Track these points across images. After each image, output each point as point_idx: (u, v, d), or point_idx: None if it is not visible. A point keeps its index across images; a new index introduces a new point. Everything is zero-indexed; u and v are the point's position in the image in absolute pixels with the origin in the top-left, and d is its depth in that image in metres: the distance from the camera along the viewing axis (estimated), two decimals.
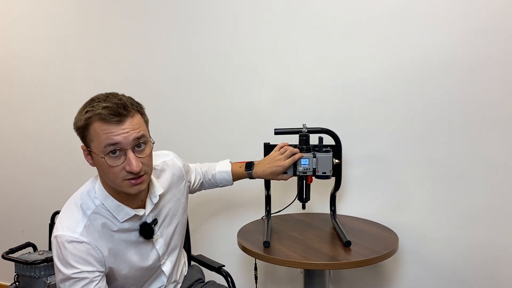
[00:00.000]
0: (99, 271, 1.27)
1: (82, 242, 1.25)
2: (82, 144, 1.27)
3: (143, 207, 1.37)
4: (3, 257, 2.14)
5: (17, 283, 2.16)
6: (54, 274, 2.13)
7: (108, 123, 1.20)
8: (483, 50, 1.72)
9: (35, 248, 2.29)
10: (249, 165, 1.71)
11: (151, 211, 1.39)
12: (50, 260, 2.11)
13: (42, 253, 2.17)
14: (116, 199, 1.31)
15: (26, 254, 2.17)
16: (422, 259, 1.90)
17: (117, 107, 1.20)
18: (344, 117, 1.95)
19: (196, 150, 2.19)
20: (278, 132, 1.74)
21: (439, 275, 1.89)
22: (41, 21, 2.49)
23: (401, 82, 1.85)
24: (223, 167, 1.73)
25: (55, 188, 2.58)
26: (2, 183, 2.75)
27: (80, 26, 2.40)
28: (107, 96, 1.25)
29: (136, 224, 1.36)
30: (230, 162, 1.76)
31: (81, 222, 1.27)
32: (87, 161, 1.29)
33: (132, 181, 1.24)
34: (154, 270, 1.45)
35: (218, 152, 2.17)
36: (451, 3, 1.74)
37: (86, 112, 1.22)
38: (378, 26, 1.85)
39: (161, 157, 1.52)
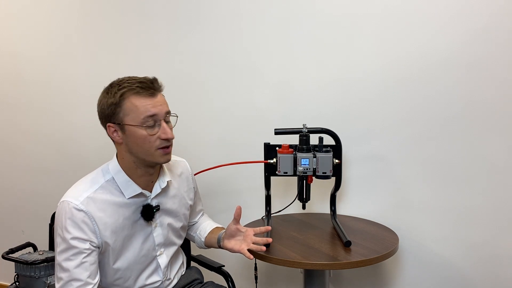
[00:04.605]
0: (90, 242, 1.33)
1: (80, 210, 1.32)
2: (109, 123, 1.36)
3: (151, 191, 1.45)
4: (3, 257, 2.14)
5: (17, 283, 2.16)
6: (54, 274, 2.14)
7: (144, 96, 1.33)
8: (482, 49, 1.72)
9: (35, 248, 2.29)
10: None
11: (156, 197, 1.46)
12: (50, 260, 2.11)
13: (42, 253, 2.17)
14: (128, 175, 1.40)
15: (26, 254, 2.17)
16: (422, 259, 1.91)
17: (150, 82, 1.35)
18: (344, 117, 1.95)
19: (197, 150, 2.19)
20: (278, 132, 1.74)
21: (439, 275, 1.89)
22: (41, 21, 2.49)
23: (401, 82, 1.85)
24: (212, 223, 1.73)
25: (55, 188, 2.57)
26: (2, 183, 2.75)
27: (81, 25, 2.40)
28: (132, 77, 1.37)
29: (139, 205, 1.43)
30: (223, 227, 1.72)
31: (85, 192, 1.36)
32: (113, 138, 1.38)
33: (165, 149, 1.38)
34: (149, 259, 1.48)
35: (218, 152, 2.17)
36: (449, 2, 1.74)
37: (119, 89, 1.33)
38: (377, 25, 1.86)
39: (175, 157, 1.61)
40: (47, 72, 2.51)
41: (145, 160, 1.39)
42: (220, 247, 1.61)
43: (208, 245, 1.69)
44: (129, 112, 1.33)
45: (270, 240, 1.52)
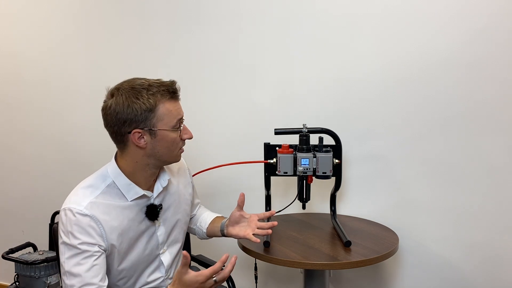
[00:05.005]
0: (99, 246, 1.31)
1: (85, 215, 1.30)
2: (136, 128, 1.32)
3: (151, 191, 1.45)
4: (3, 257, 2.14)
5: (17, 283, 2.16)
6: (54, 274, 2.15)
7: (174, 100, 1.36)
8: (482, 49, 1.72)
9: (35, 248, 2.29)
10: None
11: (158, 196, 1.46)
12: (50, 260, 2.11)
13: (42, 253, 2.17)
14: (129, 177, 1.39)
15: (26, 254, 2.17)
16: (422, 259, 1.91)
17: (174, 85, 1.36)
18: (344, 117, 1.95)
19: (197, 150, 2.19)
20: (278, 132, 1.74)
21: (439, 275, 1.89)
22: (41, 21, 2.49)
23: (401, 82, 1.85)
24: (211, 213, 1.74)
25: (55, 188, 2.57)
26: (2, 183, 2.75)
27: (81, 25, 2.40)
28: (150, 79, 1.36)
29: (143, 206, 1.43)
30: (223, 216, 1.73)
31: (87, 198, 1.34)
32: (138, 144, 1.34)
33: (182, 149, 1.44)
34: (153, 258, 1.48)
35: (218, 152, 2.17)
36: (449, 2, 1.74)
37: (152, 94, 1.32)
38: (377, 25, 1.86)
39: None
40: (47, 72, 2.51)
41: (166, 161, 1.42)
42: (223, 235, 1.60)
43: (210, 235, 1.68)
44: (163, 117, 1.33)
45: (275, 223, 1.50)
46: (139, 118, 1.31)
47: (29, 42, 2.53)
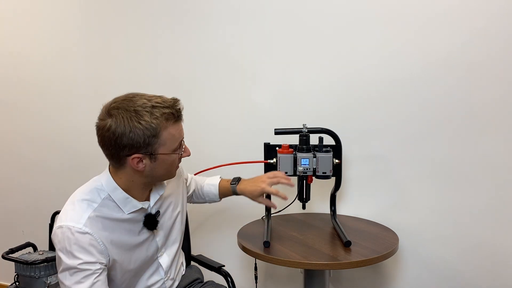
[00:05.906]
0: (100, 263, 1.28)
1: (85, 233, 1.25)
2: (136, 153, 1.26)
3: (148, 200, 1.42)
4: (3, 257, 2.14)
5: (17, 283, 2.16)
6: (54, 274, 2.14)
7: (178, 123, 1.32)
8: (482, 49, 1.72)
9: (35, 248, 2.29)
10: (236, 180, 1.70)
11: (155, 204, 1.43)
12: (50, 260, 2.11)
13: (42, 253, 2.17)
14: (126, 191, 1.34)
15: (26, 254, 2.17)
16: (422, 259, 1.91)
17: (177, 106, 1.31)
18: (344, 117, 1.95)
19: (196, 150, 2.18)
20: (278, 132, 1.74)
21: (439, 275, 1.89)
22: (42, 21, 2.49)
23: (401, 82, 1.85)
24: (211, 180, 1.76)
25: (55, 188, 2.58)
26: (2, 183, 2.75)
27: (81, 26, 2.40)
28: (151, 98, 1.28)
29: (140, 216, 1.39)
30: (221, 177, 1.77)
31: (85, 213, 1.28)
32: (136, 168, 1.28)
33: (178, 166, 1.41)
34: (151, 262, 1.47)
35: (218, 152, 2.17)
36: (449, 2, 1.74)
37: (155, 118, 1.24)
38: (378, 26, 1.86)
39: None
40: (47, 73, 2.51)
41: (162, 179, 1.40)
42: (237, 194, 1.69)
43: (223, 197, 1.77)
44: (166, 141, 1.28)
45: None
46: (140, 144, 1.24)
47: (29, 42, 2.53)
